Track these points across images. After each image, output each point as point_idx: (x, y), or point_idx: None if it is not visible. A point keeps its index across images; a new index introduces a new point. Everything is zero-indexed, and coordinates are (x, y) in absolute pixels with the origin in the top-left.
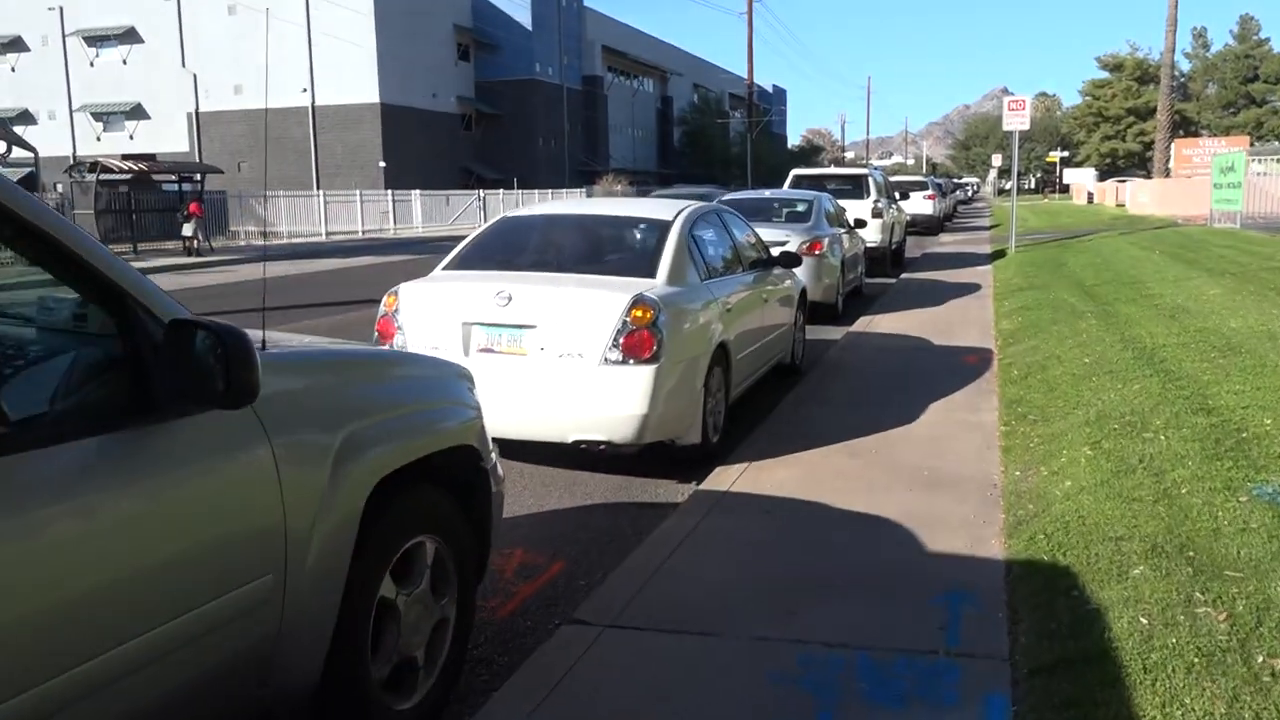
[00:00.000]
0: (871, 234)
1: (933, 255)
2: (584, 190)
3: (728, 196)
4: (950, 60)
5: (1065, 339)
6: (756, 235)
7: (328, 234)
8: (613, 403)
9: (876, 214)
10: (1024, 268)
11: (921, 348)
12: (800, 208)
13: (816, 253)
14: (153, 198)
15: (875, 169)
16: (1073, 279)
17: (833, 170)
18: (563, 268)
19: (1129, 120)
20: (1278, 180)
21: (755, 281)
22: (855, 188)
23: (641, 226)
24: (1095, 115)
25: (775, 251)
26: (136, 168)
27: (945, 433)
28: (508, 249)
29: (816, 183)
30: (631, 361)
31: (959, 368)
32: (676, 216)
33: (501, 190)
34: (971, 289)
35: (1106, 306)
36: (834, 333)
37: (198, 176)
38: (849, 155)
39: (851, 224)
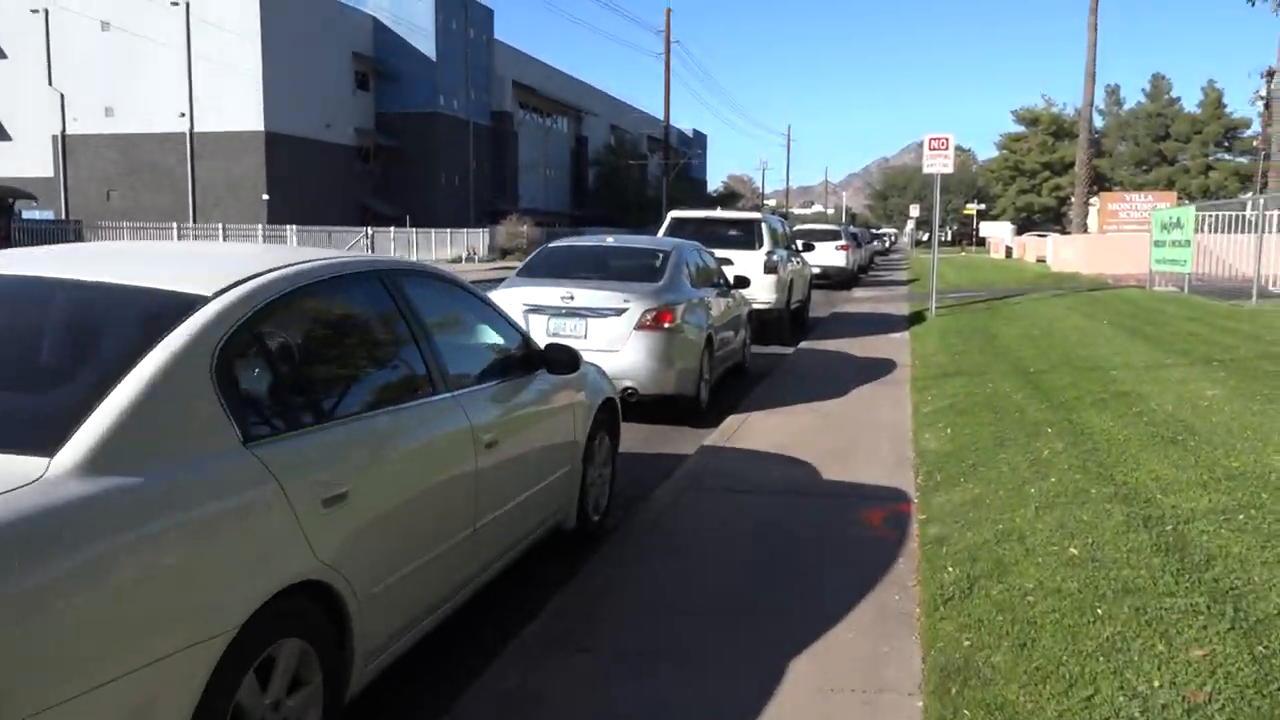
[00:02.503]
0: (763, 293)
1: (843, 316)
2: (487, 231)
3: (556, 243)
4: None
5: (1023, 484)
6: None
7: None
8: None
9: (770, 268)
10: (948, 338)
11: (801, 489)
12: (651, 261)
13: (666, 325)
14: None
15: (772, 214)
16: (1011, 359)
17: (718, 214)
18: None
19: (1044, 175)
20: (1225, 240)
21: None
22: (745, 235)
23: None
24: (1011, 169)
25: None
26: None
27: None
28: None
29: (700, 228)
30: None
31: (852, 549)
32: None
33: (393, 228)
34: (884, 369)
35: (1069, 414)
36: (682, 442)
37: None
38: (770, 203)
39: (731, 282)
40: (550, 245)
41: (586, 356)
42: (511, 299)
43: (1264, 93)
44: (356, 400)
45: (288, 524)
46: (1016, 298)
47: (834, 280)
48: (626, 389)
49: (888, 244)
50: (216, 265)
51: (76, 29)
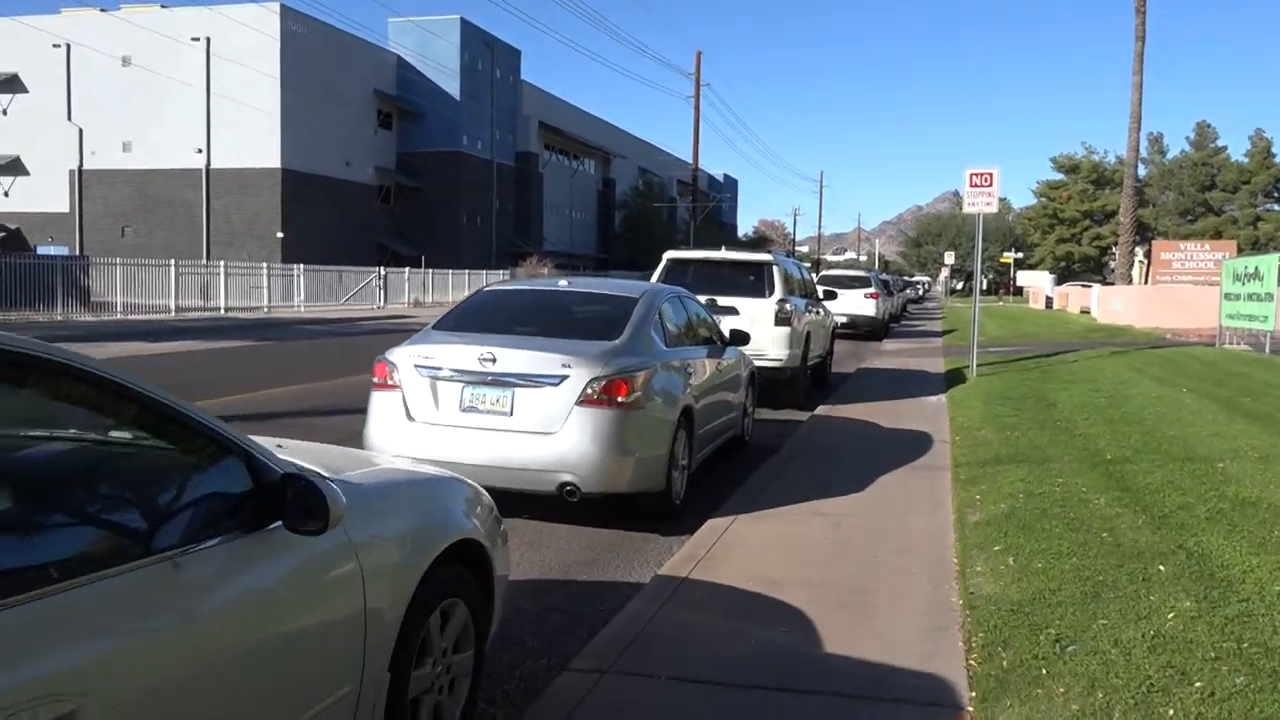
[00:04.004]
0: (774, 348)
1: (870, 373)
2: (507, 273)
3: (492, 286)
4: (904, 160)
5: (1148, 687)
6: None
7: (178, 310)
8: None
9: (783, 320)
10: (994, 405)
11: (786, 678)
12: (611, 311)
13: (621, 399)
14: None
15: (786, 255)
16: (1079, 439)
17: (722, 255)
18: None
19: (1084, 224)
20: None
21: None
22: (754, 281)
23: None
24: (1050, 217)
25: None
26: None
27: None
28: None
29: (702, 271)
30: None
31: None
32: None
33: (408, 269)
34: (917, 446)
35: (1182, 537)
36: (635, 561)
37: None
38: (803, 249)
39: (727, 337)
40: (485, 289)
41: (508, 441)
42: (410, 362)
43: None
44: None
45: None
46: (1068, 354)
47: (862, 331)
48: (564, 485)
49: (921, 292)
50: None
51: (97, 64)
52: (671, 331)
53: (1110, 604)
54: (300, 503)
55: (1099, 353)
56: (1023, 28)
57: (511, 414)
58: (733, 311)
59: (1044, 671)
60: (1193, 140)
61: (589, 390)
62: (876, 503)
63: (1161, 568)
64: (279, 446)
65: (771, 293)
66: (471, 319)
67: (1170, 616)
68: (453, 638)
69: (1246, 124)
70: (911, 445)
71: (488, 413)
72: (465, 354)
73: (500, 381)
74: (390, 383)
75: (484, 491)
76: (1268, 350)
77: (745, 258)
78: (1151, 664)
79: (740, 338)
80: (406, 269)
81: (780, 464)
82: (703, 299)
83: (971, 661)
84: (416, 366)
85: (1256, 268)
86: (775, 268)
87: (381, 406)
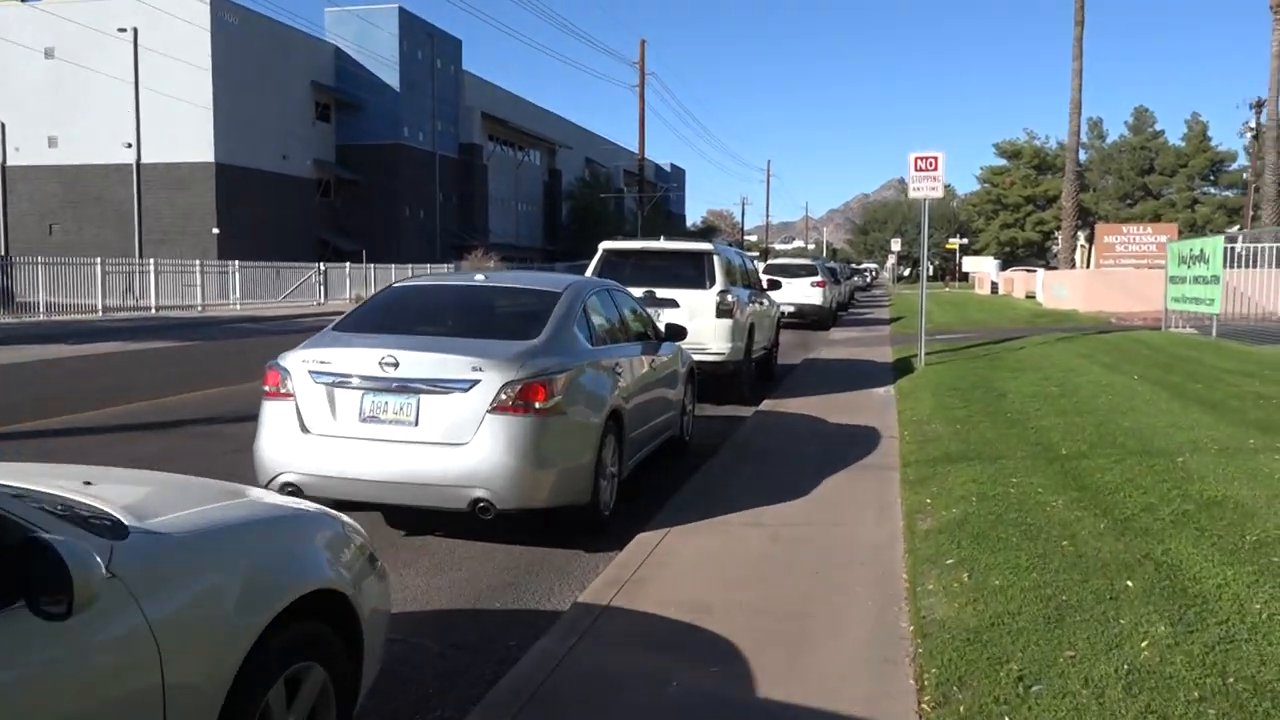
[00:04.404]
0: (716, 342)
1: (817, 364)
2: (452, 266)
3: (402, 282)
4: (849, 149)
5: None
6: None
7: (105, 310)
8: None
9: (725, 312)
10: (944, 396)
11: None
12: (531, 308)
13: (539, 404)
14: None
15: (728, 245)
16: (1031, 432)
17: (660, 245)
18: None
19: (1028, 209)
20: (1257, 276)
21: None
22: (694, 272)
23: None
24: (993, 203)
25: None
26: None
27: None
28: None
29: (641, 263)
30: None
31: None
32: None
33: (349, 264)
34: (864, 443)
35: (1148, 544)
36: (557, 584)
37: None
38: (751, 238)
39: (661, 332)
40: (395, 285)
41: (414, 453)
42: (304, 368)
43: (1253, 124)
44: None
45: None
46: (1015, 340)
47: (809, 320)
48: (476, 501)
49: (869, 279)
50: None
51: (19, 57)
52: (599, 328)
53: (1077, 629)
54: (40, 576)
55: (1046, 339)
56: (964, 15)
57: (417, 424)
58: (672, 304)
59: (1006, 719)
60: (1131, 125)
61: (503, 395)
62: (820, 510)
63: (1129, 583)
64: (86, 484)
65: (712, 284)
66: (376, 318)
67: (1144, 645)
68: (304, 710)
69: (1183, 108)
70: (858, 442)
71: (391, 423)
72: (365, 358)
73: (404, 388)
74: (283, 391)
75: (355, 528)
76: (1214, 333)
77: (684, 248)
78: (1129, 708)
79: (676, 332)
80: (347, 264)
81: (720, 466)
82: (640, 292)
83: (924, 705)
84: (311, 373)
85: (1202, 250)
86: (715, 258)
87: (273, 418)
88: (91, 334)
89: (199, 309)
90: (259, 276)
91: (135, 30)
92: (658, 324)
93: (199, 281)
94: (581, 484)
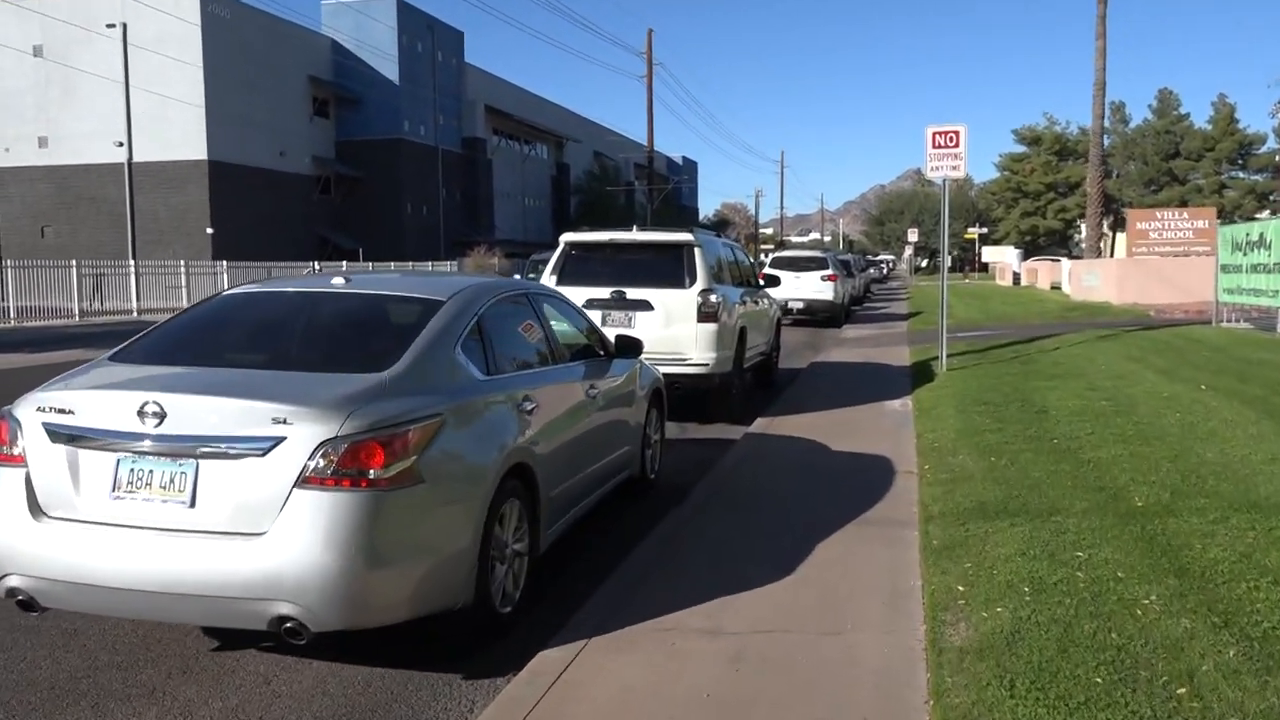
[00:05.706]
0: (697, 350)
1: (825, 368)
2: (455, 264)
3: (237, 289)
4: (866, 140)
5: None
6: None
7: (82, 314)
8: None
9: (709, 315)
10: (971, 414)
11: None
12: (397, 321)
13: (376, 471)
14: None
15: (716, 236)
16: (1088, 471)
17: (631, 237)
18: None
19: (1049, 196)
20: None
21: None
22: (671, 267)
23: None
24: (1013, 190)
25: None
26: None
27: None
28: None
29: (609, 259)
30: None
31: None
32: None
33: (345, 262)
34: (873, 485)
35: None
36: None
37: None
38: (766, 231)
39: (612, 347)
40: (224, 292)
41: (186, 548)
42: (38, 419)
43: None
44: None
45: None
46: (1047, 339)
47: (820, 317)
48: (281, 621)
49: (885, 271)
50: None
51: (6, 56)
52: (503, 349)
53: None
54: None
55: (1083, 336)
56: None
57: (192, 504)
58: (645, 306)
59: None
60: (1155, 108)
61: (319, 460)
62: (808, 601)
63: None
64: None
65: (693, 281)
66: (173, 342)
67: None
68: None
69: (1209, 89)
70: (866, 481)
71: (155, 501)
72: (120, 404)
73: (175, 450)
74: (11, 453)
75: None
76: (1278, 329)
77: (660, 239)
78: None
79: (630, 345)
80: (344, 263)
81: (685, 521)
82: (607, 293)
83: None
84: (48, 426)
85: (1262, 234)
86: (697, 250)
87: None
88: (57, 340)
89: None
90: (249, 277)
91: (124, 26)
92: (606, 336)
93: (184, 283)
94: (456, 580)
